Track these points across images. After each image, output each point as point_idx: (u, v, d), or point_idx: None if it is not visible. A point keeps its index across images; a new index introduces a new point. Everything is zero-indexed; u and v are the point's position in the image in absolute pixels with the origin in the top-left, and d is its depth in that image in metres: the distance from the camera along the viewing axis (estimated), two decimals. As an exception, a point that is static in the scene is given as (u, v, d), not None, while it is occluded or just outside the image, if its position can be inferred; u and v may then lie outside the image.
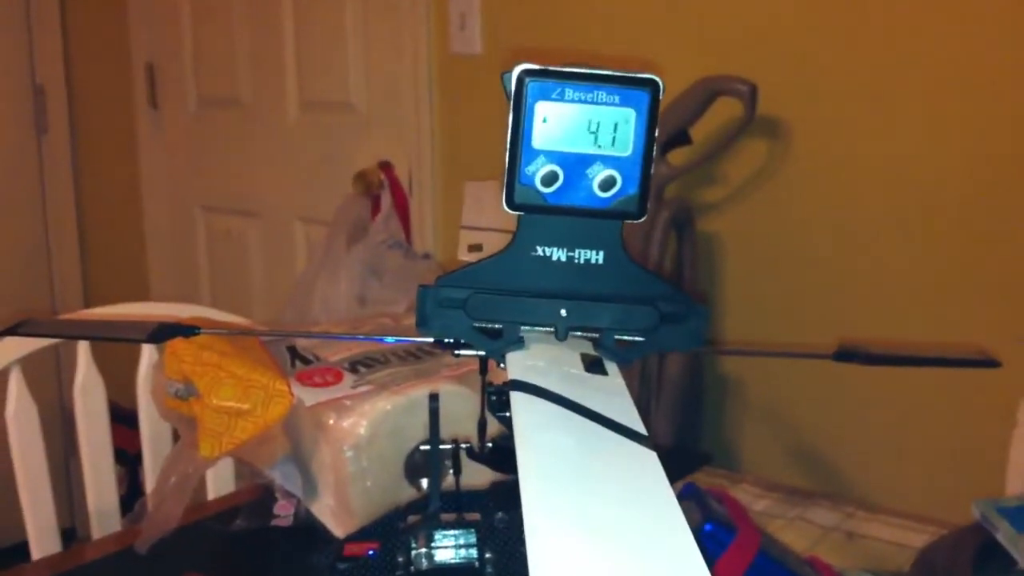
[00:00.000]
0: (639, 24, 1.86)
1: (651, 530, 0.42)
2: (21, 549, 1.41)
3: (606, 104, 0.54)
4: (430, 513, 0.69)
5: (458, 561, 0.69)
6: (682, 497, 0.79)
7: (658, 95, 0.55)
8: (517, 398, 0.51)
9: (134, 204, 2.88)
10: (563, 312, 0.58)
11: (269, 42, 2.48)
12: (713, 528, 0.75)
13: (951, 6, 1.55)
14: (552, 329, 0.58)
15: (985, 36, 1.53)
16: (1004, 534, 0.92)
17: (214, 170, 2.71)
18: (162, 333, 0.62)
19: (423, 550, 0.69)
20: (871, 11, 1.63)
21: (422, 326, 0.58)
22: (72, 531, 1.58)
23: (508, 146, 0.55)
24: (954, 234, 1.59)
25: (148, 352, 1.50)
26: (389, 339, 0.65)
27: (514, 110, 0.54)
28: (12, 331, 0.62)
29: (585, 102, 0.54)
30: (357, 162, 2.25)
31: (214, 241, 2.75)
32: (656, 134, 0.55)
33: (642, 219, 0.57)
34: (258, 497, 1.23)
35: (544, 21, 1.99)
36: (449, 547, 0.70)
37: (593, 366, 0.56)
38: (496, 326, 0.58)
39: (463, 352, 0.62)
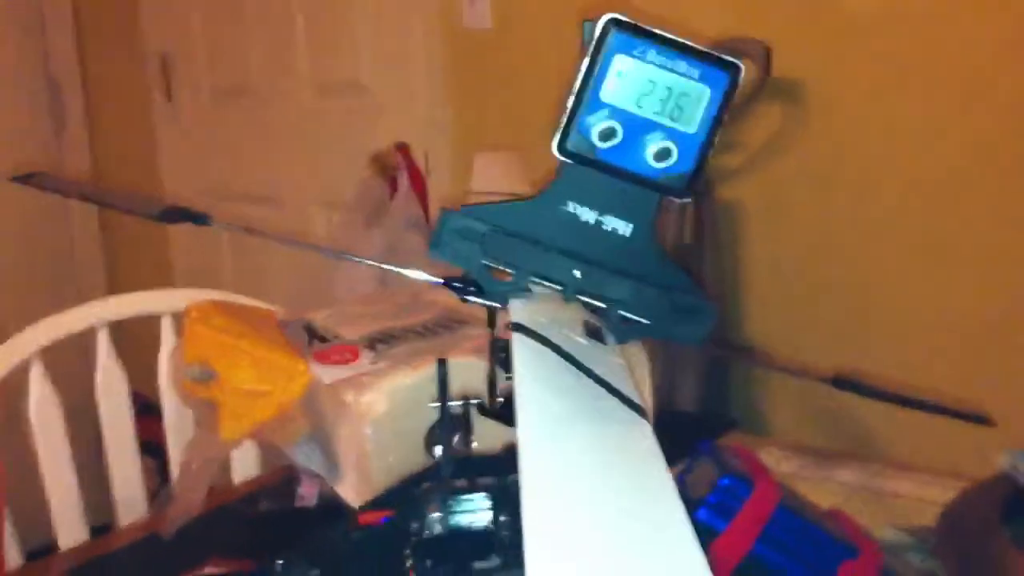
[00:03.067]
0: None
1: (643, 499, 0.41)
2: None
3: (684, 76, 0.53)
4: (442, 478, 0.68)
5: (472, 526, 0.68)
6: (697, 454, 0.78)
7: (737, 80, 0.54)
8: (519, 339, 0.50)
9: (154, 194, 2.88)
10: (577, 274, 0.57)
11: (280, 28, 2.48)
12: (730, 482, 0.74)
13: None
14: (561, 288, 0.57)
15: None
16: (1032, 484, 0.90)
17: (231, 159, 2.71)
18: (173, 214, 0.62)
19: (436, 515, 0.68)
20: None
21: (434, 248, 0.57)
22: (107, 528, 1.59)
23: (575, 91, 0.53)
24: (977, 191, 1.57)
25: (168, 338, 1.51)
26: (405, 271, 0.63)
27: (591, 57, 0.53)
28: (23, 179, 0.62)
29: (664, 68, 0.53)
30: (373, 144, 2.24)
31: (239, 232, 2.74)
32: (725, 118, 0.54)
33: (686, 200, 0.55)
34: (282, 479, 1.23)
35: (554, -7, 1.98)
36: (463, 512, 0.69)
37: (592, 333, 0.55)
38: (507, 270, 0.57)
39: (471, 299, 0.61)
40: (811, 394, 1.76)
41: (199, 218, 0.62)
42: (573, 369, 0.49)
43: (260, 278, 2.69)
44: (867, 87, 1.64)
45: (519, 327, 0.51)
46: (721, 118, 0.54)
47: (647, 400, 1.21)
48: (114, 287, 3.04)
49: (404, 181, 2.20)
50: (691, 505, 0.74)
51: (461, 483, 0.70)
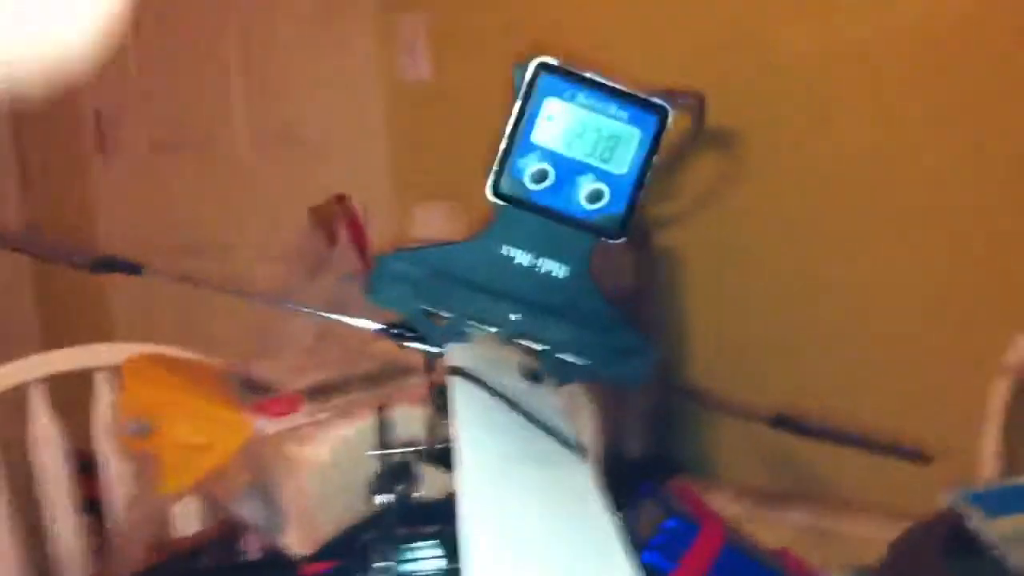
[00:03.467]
0: (588, 39, 1.86)
1: (584, 538, 0.41)
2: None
3: (614, 118, 0.54)
4: (386, 527, 0.68)
5: (418, 573, 0.67)
6: (641, 495, 0.78)
7: (666, 123, 0.54)
8: (458, 384, 0.50)
9: (91, 249, 2.84)
10: (513, 316, 0.57)
11: (216, 81, 2.47)
12: (676, 523, 0.74)
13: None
14: (499, 331, 0.57)
15: (938, 37, 1.54)
16: (975, 520, 0.91)
17: (170, 212, 2.69)
18: (105, 264, 0.61)
19: (382, 565, 0.67)
20: (823, 13, 1.64)
21: (369, 294, 0.56)
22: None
23: (507, 134, 0.53)
24: (914, 233, 1.59)
25: (104, 392, 1.48)
26: (342, 319, 0.63)
27: (522, 100, 0.53)
28: None
29: (594, 110, 0.53)
30: (314, 195, 2.23)
31: (174, 283, 2.71)
32: (655, 160, 0.54)
33: (619, 241, 0.55)
34: (224, 532, 1.21)
35: (492, 44, 1.99)
36: (409, 560, 0.68)
37: (530, 375, 0.55)
38: (444, 314, 0.57)
39: (410, 344, 0.61)
40: (758, 435, 1.77)
41: (132, 268, 0.62)
42: (512, 412, 0.49)
43: (201, 330, 2.65)
44: (801, 131, 1.67)
45: (456, 371, 0.51)
46: (651, 159, 0.54)
47: (590, 443, 1.21)
48: (49, 341, 2.98)
49: (343, 233, 2.19)
50: (637, 547, 0.74)
51: (405, 531, 0.69)
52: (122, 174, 2.76)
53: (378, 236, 2.22)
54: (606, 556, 0.40)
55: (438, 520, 0.71)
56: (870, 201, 1.62)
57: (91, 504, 1.59)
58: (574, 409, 1.20)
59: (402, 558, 0.68)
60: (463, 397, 0.49)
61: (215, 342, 2.56)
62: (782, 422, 0.62)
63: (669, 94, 1.67)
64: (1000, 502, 0.92)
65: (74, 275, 2.92)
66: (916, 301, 1.60)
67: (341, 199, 2.24)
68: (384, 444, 0.70)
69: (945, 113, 1.55)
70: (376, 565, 0.67)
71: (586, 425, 1.20)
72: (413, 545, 0.68)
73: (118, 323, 2.85)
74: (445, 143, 2.07)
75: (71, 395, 1.66)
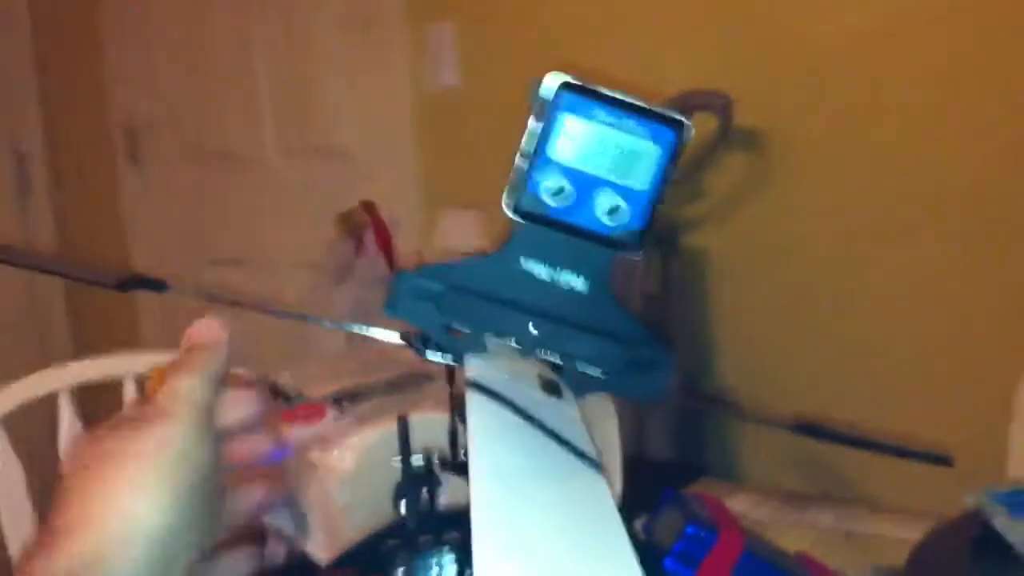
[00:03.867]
0: (617, 46, 1.86)
1: (597, 557, 0.41)
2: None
3: (632, 134, 0.54)
4: (408, 534, 0.68)
5: (439, 580, 0.68)
6: (662, 503, 0.78)
7: (684, 137, 0.54)
8: (474, 398, 0.50)
9: (122, 259, 2.87)
10: (534, 330, 0.57)
11: (246, 91, 2.49)
12: (695, 530, 0.74)
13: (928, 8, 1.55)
14: (518, 344, 0.57)
15: (968, 41, 1.53)
16: (1000, 521, 0.91)
17: (199, 223, 2.70)
18: (131, 282, 0.61)
19: (403, 571, 0.68)
20: (847, 16, 1.63)
21: (390, 309, 0.57)
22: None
23: (524, 150, 0.54)
24: (942, 230, 1.58)
25: (130, 389, 1.50)
26: (365, 331, 0.63)
27: (541, 117, 0.53)
28: None
29: (612, 127, 0.53)
30: (343, 204, 2.25)
31: (200, 299, 2.73)
32: (672, 175, 0.55)
33: (637, 256, 0.56)
34: (248, 539, 1.22)
35: (520, 50, 1.99)
36: (430, 567, 0.68)
37: (549, 388, 0.55)
38: (464, 328, 0.57)
39: (430, 357, 0.61)
40: (782, 438, 1.76)
41: (156, 285, 0.62)
42: (528, 425, 0.49)
43: (231, 340, 2.67)
44: (829, 132, 1.66)
45: (474, 384, 0.51)
46: (669, 174, 0.54)
47: (614, 449, 1.21)
48: (80, 351, 3.01)
49: (370, 240, 2.20)
50: (657, 554, 0.74)
51: (427, 538, 0.70)
52: (153, 184, 2.78)
53: (405, 243, 2.23)
54: (616, 570, 0.40)
55: (460, 528, 0.71)
56: (901, 203, 1.61)
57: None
58: (598, 415, 1.20)
59: (424, 565, 0.68)
60: (479, 410, 0.50)
61: (242, 349, 2.59)
62: (805, 428, 0.62)
63: (696, 95, 1.68)
64: (1026, 503, 0.91)
65: (106, 295, 2.94)
66: (948, 303, 1.59)
67: (369, 206, 2.26)
68: (407, 452, 0.71)
69: (985, 112, 1.54)
70: (398, 572, 0.67)
71: (610, 431, 1.20)
72: (434, 552, 0.68)
73: (147, 332, 2.87)
74: (473, 151, 2.08)
75: (101, 404, 1.68)
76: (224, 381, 0.56)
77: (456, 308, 0.57)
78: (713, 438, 1.81)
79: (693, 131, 0.54)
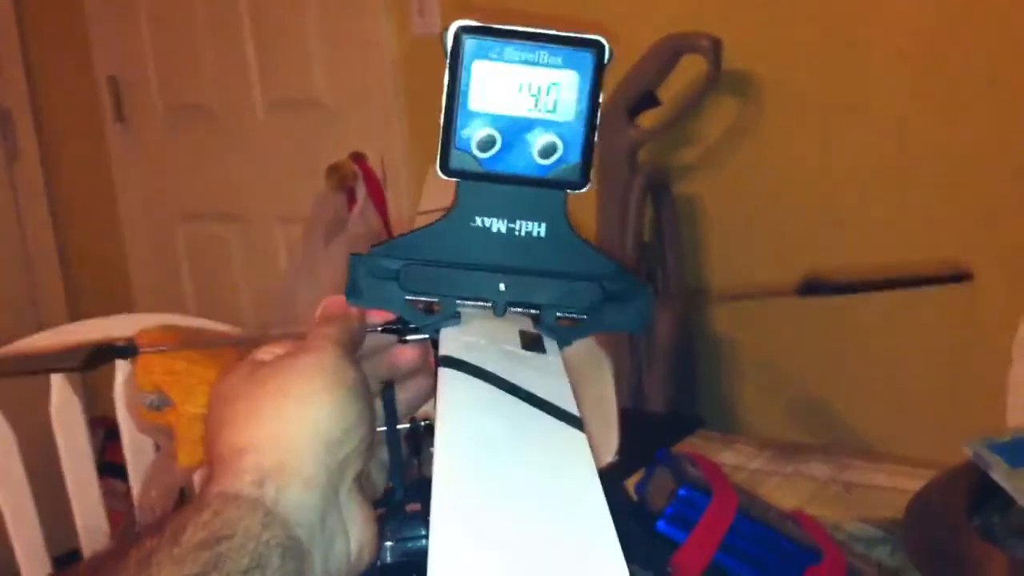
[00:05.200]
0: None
1: (568, 515, 0.40)
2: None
3: (548, 66, 0.51)
4: (395, 504, 0.67)
5: (426, 551, 0.66)
6: (655, 463, 0.77)
7: (603, 57, 0.51)
8: (445, 375, 0.49)
9: (112, 218, 2.85)
10: (501, 287, 0.55)
11: (230, 44, 2.45)
12: (688, 492, 0.73)
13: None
14: (490, 304, 0.55)
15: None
16: (998, 471, 0.90)
17: (188, 178, 2.68)
18: (97, 358, 0.60)
19: (390, 543, 0.66)
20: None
21: (352, 297, 0.55)
22: (72, 557, 1.57)
23: (444, 108, 0.52)
24: (936, 182, 1.56)
25: (122, 365, 1.48)
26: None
27: (450, 70, 0.51)
28: None
29: (526, 63, 0.51)
30: (329, 157, 2.22)
31: (194, 248, 2.72)
32: (600, 99, 0.52)
33: (584, 189, 0.54)
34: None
35: (503, -3, 1.96)
36: (417, 538, 0.67)
37: (531, 344, 0.54)
38: (431, 300, 0.56)
39: (411, 337, 0.60)
40: (779, 388, 1.76)
41: (125, 352, 0.61)
42: (506, 393, 0.48)
43: (223, 299, 2.66)
44: (820, 75, 1.64)
45: (445, 360, 0.50)
46: (597, 97, 0.52)
47: (611, 403, 1.20)
48: (76, 316, 3.00)
49: (362, 191, 2.18)
50: (650, 517, 0.73)
51: (414, 508, 0.69)
52: (138, 140, 2.76)
53: (396, 193, 2.21)
54: (589, 538, 0.39)
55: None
56: (891, 147, 1.59)
57: (122, 470, 1.61)
58: (592, 369, 1.19)
59: (411, 535, 0.67)
60: (449, 385, 0.48)
61: (236, 311, 2.58)
62: (810, 289, 0.60)
63: (684, 37, 1.65)
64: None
65: (97, 249, 2.93)
66: (937, 250, 1.58)
67: (359, 157, 2.24)
68: (393, 420, 0.69)
69: (977, 59, 1.51)
70: (385, 543, 0.66)
71: (606, 384, 1.18)
72: (422, 522, 0.67)
73: (141, 301, 2.86)
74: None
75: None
76: (360, 342, 0.57)
77: (419, 281, 0.55)
78: (710, 390, 1.81)
79: (611, 48, 0.51)
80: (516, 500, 0.40)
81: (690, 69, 1.61)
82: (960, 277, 0.63)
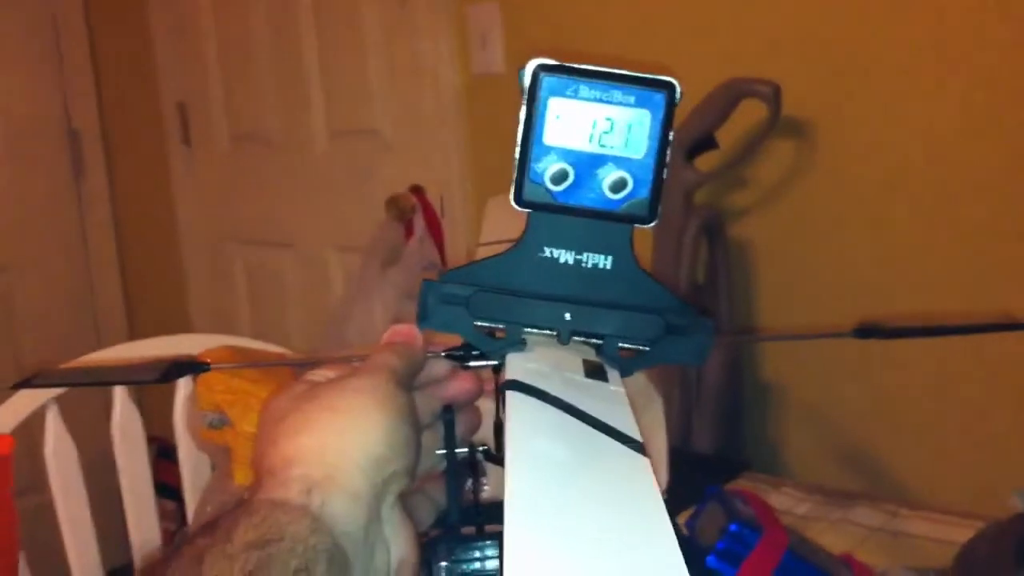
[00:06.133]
0: (663, 32, 1.86)
1: (636, 539, 0.41)
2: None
3: (621, 104, 0.53)
4: (449, 526, 0.68)
5: (481, 573, 0.68)
6: (706, 499, 0.78)
7: (674, 97, 0.54)
8: (513, 398, 0.50)
9: (172, 240, 2.90)
10: (567, 316, 0.57)
11: (295, 74, 2.50)
12: (738, 528, 0.74)
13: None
14: (555, 333, 0.57)
15: (1013, 30, 1.51)
16: (1048, 524, 0.90)
17: (248, 204, 2.73)
18: (173, 371, 0.62)
19: (444, 564, 0.68)
20: (893, 6, 1.62)
21: (423, 321, 0.57)
22: (124, 571, 1.59)
23: (519, 142, 0.54)
24: (992, 226, 1.56)
25: (183, 384, 1.51)
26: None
27: (527, 105, 0.53)
28: (26, 383, 0.63)
29: (599, 101, 0.53)
30: (388, 188, 2.26)
31: (251, 273, 2.77)
32: (671, 137, 0.54)
33: (652, 224, 0.56)
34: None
35: (566, 35, 1.99)
36: (471, 560, 0.69)
37: (594, 372, 0.55)
38: (498, 326, 0.57)
39: (474, 363, 0.62)
40: (827, 433, 1.76)
41: (199, 367, 0.63)
42: (570, 416, 0.49)
43: (277, 322, 2.70)
44: (875, 121, 1.65)
45: (511, 384, 0.52)
46: (667, 137, 0.54)
47: (661, 438, 1.21)
48: (134, 333, 3.06)
49: (420, 224, 2.21)
50: (700, 552, 0.74)
51: (469, 531, 0.70)
52: (203, 165, 2.81)
53: (454, 227, 2.24)
54: (658, 557, 0.40)
55: (502, 520, 0.71)
56: (946, 192, 1.59)
57: (172, 490, 1.63)
58: (643, 404, 1.20)
59: (465, 557, 0.68)
60: (517, 408, 0.50)
61: (291, 335, 2.61)
62: (866, 332, 0.61)
63: (744, 83, 1.66)
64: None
65: (157, 268, 2.99)
66: (992, 295, 1.57)
67: (417, 190, 2.27)
68: (452, 443, 0.71)
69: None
70: (439, 564, 0.67)
71: (656, 419, 1.20)
72: (477, 544, 0.68)
73: (198, 321, 2.90)
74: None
75: (152, 386, 1.70)
76: (416, 373, 0.60)
77: (487, 308, 0.57)
78: (757, 432, 1.81)
79: (681, 90, 0.53)
80: (586, 522, 0.42)
81: (749, 114, 1.63)
82: (1013, 325, 0.63)
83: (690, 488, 1.04)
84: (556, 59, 0.54)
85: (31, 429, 1.43)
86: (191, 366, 0.65)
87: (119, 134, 3.00)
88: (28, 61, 2.88)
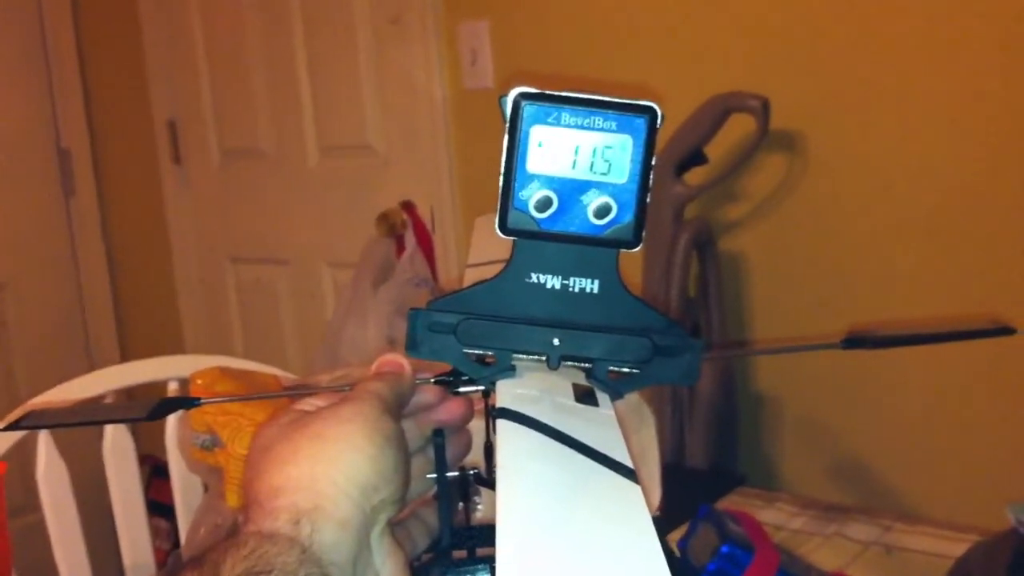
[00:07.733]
0: (652, 48, 1.86)
1: (626, 564, 0.41)
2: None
3: (602, 130, 0.53)
4: (441, 549, 0.68)
5: (472, 598, 0.67)
6: (698, 519, 0.78)
7: (655, 122, 0.54)
8: (503, 426, 0.50)
9: (164, 258, 2.90)
10: (555, 341, 0.57)
11: (286, 91, 2.50)
12: (730, 549, 0.73)
13: (963, 10, 1.54)
14: (544, 358, 0.57)
15: (997, 42, 1.52)
16: (1041, 538, 0.90)
17: (240, 221, 2.73)
18: (162, 409, 0.62)
19: (437, 587, 0.68)
20: (879, 19, 1.62)
21: (411, 350, 0.57)
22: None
23: (503, 170, 0.54)
24: (981, 236, 1.56)
25: (175, 405, 1.51)
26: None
27: (509, 133, 0.53)
28: (16, 426, 0.62)
29: (581, 127, 0.53)
30: (379, 203, 2.26)
31: (244, 290, 2.76)
32: (653, 162, 0.54)
33: (636, 249, 0.56)
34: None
35: (554, 51, 2.00)
36: (464, 584, 0.68)
37: (584, 397, 0.55)
38: (487, 353, 0.57)
39: (464, 389, 0.62)
40: (820, 446, 1.76)
41: (188, 403, 0.63)
42: (559, 443, 0.49)
43: (270, 339, 2.69)
44: (863, 134, 1.65)
45: (501, 411, 0.52)
46: (649, 161, 0.54)
47: (654, 458, 1.21)
48: (126, 351, 3.05)
49: (411, 239, 2.21)
50: (692, 573, 0.74)
51: (461, 554, 0.70)
52: (195, 183, 2.81)
53: (445, 242, 2.24)
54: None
55: (494, 543, 0.71)
56: (934, 203, 1.60)
57: (167, 508, 1.63)
58: (636, 423, 1.19)
59: (457, 581, 0.68)
60: (508, 437, 0.50)
61: (283, 355, 2.61)
62: (852, 342, 0.61)
63: (733, 97, 1.67)
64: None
65: (150, 287, 2.98)
66: (983, 303, 1.57)
67: (408, 205, 2.27)
68: (442, 466, 0.71)
69: (1019, 114, 1.52)
70: (432, 587, 0.67)
71: (648, 439, 1.19)
72: (469, 568, 0.68)
73: (191, 340, 2.90)
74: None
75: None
76: (405, 402, 0.60)
77: (475, 335, 0.57)
78: (751, 446, 1.81)
79: (663, 114, 0.53)
80: (576, 548, 0.42)
81: (738, 128, 1.63)
82: (1002, 331, 0.63)
83: (684, 505, 1.04)
84: (544, 78, 0.54)
85: (23, 448, 1.43)
86: (179, 402, 0.65)
87: (109, 153, 2.99)
88: (18, 80, 2.87)
